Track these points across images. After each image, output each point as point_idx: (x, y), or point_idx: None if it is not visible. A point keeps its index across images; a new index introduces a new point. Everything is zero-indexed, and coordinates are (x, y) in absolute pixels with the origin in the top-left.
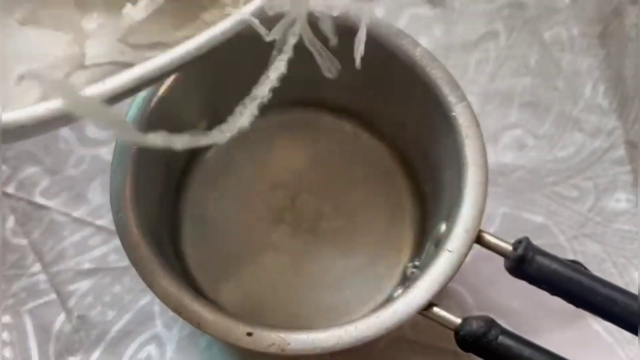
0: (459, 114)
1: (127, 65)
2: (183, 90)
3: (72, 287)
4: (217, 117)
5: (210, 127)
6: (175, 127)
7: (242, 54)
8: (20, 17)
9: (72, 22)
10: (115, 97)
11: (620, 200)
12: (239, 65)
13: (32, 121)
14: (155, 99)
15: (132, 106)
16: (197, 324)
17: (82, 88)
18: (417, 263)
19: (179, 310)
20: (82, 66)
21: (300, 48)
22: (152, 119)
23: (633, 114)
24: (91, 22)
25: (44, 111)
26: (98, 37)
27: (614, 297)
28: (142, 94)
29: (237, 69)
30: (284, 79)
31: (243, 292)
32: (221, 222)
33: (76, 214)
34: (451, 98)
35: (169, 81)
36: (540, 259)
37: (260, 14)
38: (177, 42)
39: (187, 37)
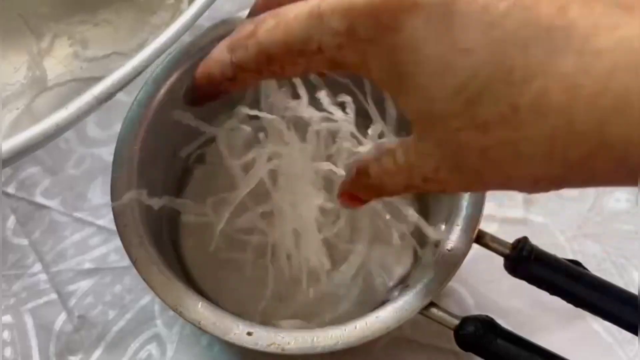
0: None
1: (89, 79)
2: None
3: (72, 287)
4: (214, 120)
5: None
6: (175, 130)
7: None
8: None
9: (28, 47)
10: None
11: (619, 200)
12: None
13: (28, 144)
14: (154, 102)
15: (131, 109)
16: (198, 323)
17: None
18: (417, 263)
19: (179, 309)
20: (45, 88)
21: None
22: (152, 124)
23: None
24: (45, 44)
25: (36, 134)
26: (55, 57)
27: (614, 297)
28: (140, 97)
29: None
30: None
31: (243, 292)
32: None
33: (77, 213)
34: None
35: (167, 85)
36: (539, 258)
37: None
38: (131, 50)
39: (141, 44)
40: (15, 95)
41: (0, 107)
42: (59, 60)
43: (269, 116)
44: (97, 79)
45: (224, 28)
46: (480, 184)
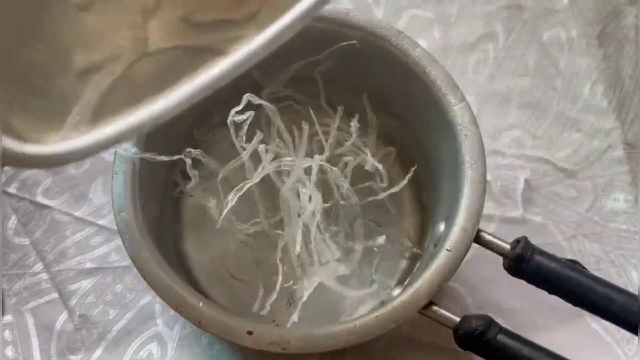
0: (458, 114)
1: (194, 49)
2: None
3: (73, 286)
4: (209, 127)
5: (202, 135)
6: (171, 136)
7: None
8: (79, 2)
9: (131, 2)
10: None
11: (618, 200)
12: None
13: (118, 137)
14: None
15: None
16: (198, 322)
17: (148, 79)
18: (417, 262)
19: (180, 308)
20: (145, 54)
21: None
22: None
23: (631, 114)
24: (151, 1)
25: (128, 127)
26: (160, 18)
27: (612, 296)
28: None
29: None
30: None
31: (244, 292)
32: (222, 222)
33: (78, 213)
34: (450, 98)
35: None
36: (538, 258)
37: None
38: (242, 18)
39: (252, 13)
40: (111, 58)
41: None
42: (163, 22)
43: (270, 106)
44: (201, 50)
45: None
46: None
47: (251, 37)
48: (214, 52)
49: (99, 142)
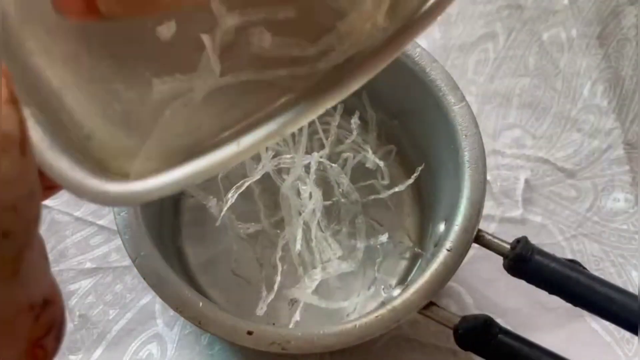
0: (458, 114)
1: (261, 84)
2: None
3: (73, 286)
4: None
5: None
6: None
7: None
8: (163, 32)
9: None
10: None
11: (618, 200)
12: None
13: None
14: None
15: None
16: (198, 322)
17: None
18: (417, 262)
19: (180, 309)
20: (217, 86)
21: None
22: None
23: (631, 114)
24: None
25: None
26: (234, 50)
27: (612, 296)
28: None
29: None
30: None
31: (244, 291)
32: (222, 221)
33: (78, 213)
34: (450, 98)
35: None
36: (538, 258)
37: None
38: (313, 58)
39: (323, 53)
40: (186, 89)
41: None
42: (237, 54)
43: None
44: (270, 85)
45: None
46: None
47: (319, 75)
48: (282, 88)
49: (179, 181)
